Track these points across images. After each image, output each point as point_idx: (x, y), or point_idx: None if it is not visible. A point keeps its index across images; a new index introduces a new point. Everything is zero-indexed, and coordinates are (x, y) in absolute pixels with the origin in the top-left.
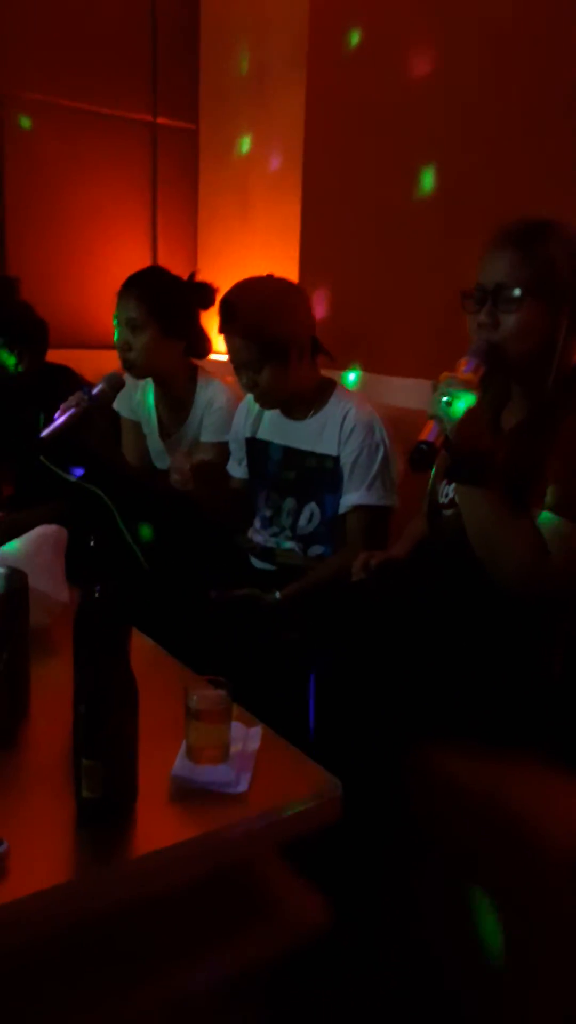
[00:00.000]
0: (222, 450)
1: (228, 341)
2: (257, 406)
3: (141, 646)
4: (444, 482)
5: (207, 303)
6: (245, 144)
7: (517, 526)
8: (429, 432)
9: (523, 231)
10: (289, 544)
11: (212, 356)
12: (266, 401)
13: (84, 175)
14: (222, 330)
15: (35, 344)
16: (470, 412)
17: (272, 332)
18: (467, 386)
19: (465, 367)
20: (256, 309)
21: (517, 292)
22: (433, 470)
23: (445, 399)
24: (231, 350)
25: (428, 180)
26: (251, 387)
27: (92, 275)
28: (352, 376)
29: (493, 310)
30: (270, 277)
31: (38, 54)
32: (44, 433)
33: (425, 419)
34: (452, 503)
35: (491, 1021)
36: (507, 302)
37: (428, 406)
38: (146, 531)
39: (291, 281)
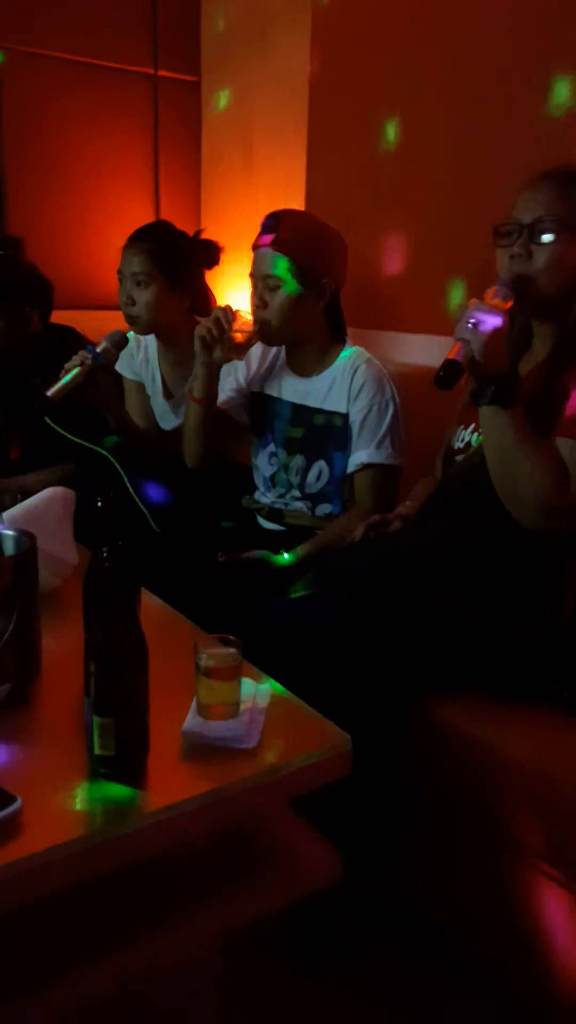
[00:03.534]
0: None
1: (257, 254)
2: (269, 359)
3: (151, 605)
4: (461, 426)
5: (212, 261)
6: (249, 96)
7: (539, 451)
8: (456, 352)
9: (565, 173)
10: (297, 504)
11: None
12: (267, 328)
13: (84, 130)
14: (257, 241)
15: (41, 305)
16: (496, 333)
17: (304, 256)
18: (492, 310)
19: (493, 295)
20: (299, 231)
21: (555, 227)
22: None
23: (472, 321)
24: (257, 262)
25: (436, 132)
26: (261, 305)
27: (94, 233)
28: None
29: (527, 243)
30: (323, 220)
31: (35, 5)
32: (49, 392)
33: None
34: (466, 447)
35: (499, 971)
36: (543, 235)
37: (455, 330)
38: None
39: (341, 235)
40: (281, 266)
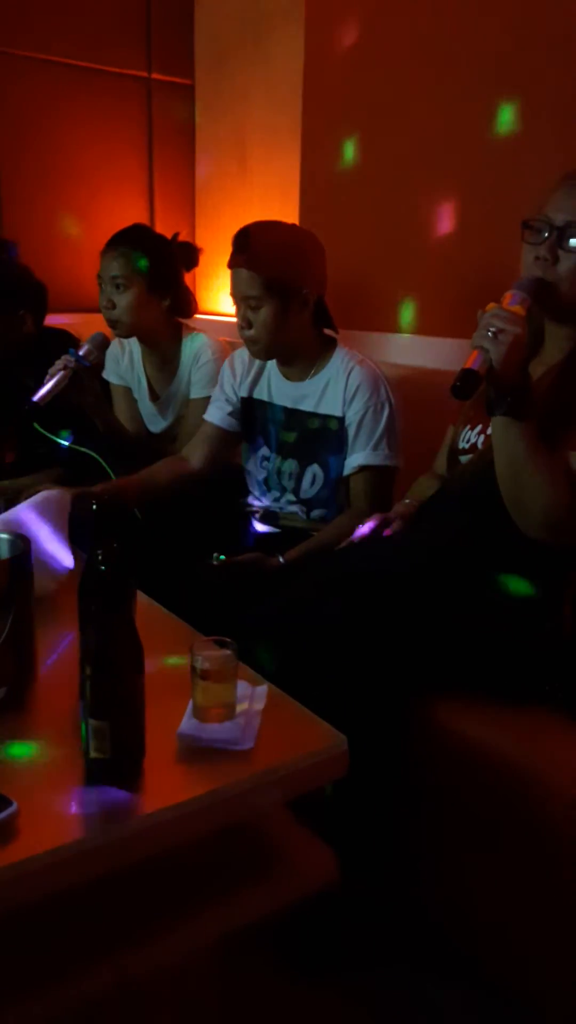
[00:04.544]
0: None
1: (234, 273)
2: (256, 364)
3: (146, 608)
4: (467, 427)
5: (191, 263)
6: (242, 99)
7: (550, 464)
8: (473, 361)
9: None
10: (292, 508)
11: (199, 316)
12: (256, 345)
13: (78, 133)
14: (231, 261)
15: (38, 307)
16: (516, 343)
17: (279, 271)
18: (514, 318)
19: (511, 300)
20: (269, 244)
21: None
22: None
23: (491, 330)
24: (235, 282)
25: (432, 134)
26: (246, 326)
27: (88, 235)
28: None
29: (555, 246)
30: (296, 226)
31: (28, 9)
32: (36, 398)
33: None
34: (472, 448)
35: (497, 975)
36: (572, 240)
37: (473, 337)
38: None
39: (314, 236)
40: (258, 285)
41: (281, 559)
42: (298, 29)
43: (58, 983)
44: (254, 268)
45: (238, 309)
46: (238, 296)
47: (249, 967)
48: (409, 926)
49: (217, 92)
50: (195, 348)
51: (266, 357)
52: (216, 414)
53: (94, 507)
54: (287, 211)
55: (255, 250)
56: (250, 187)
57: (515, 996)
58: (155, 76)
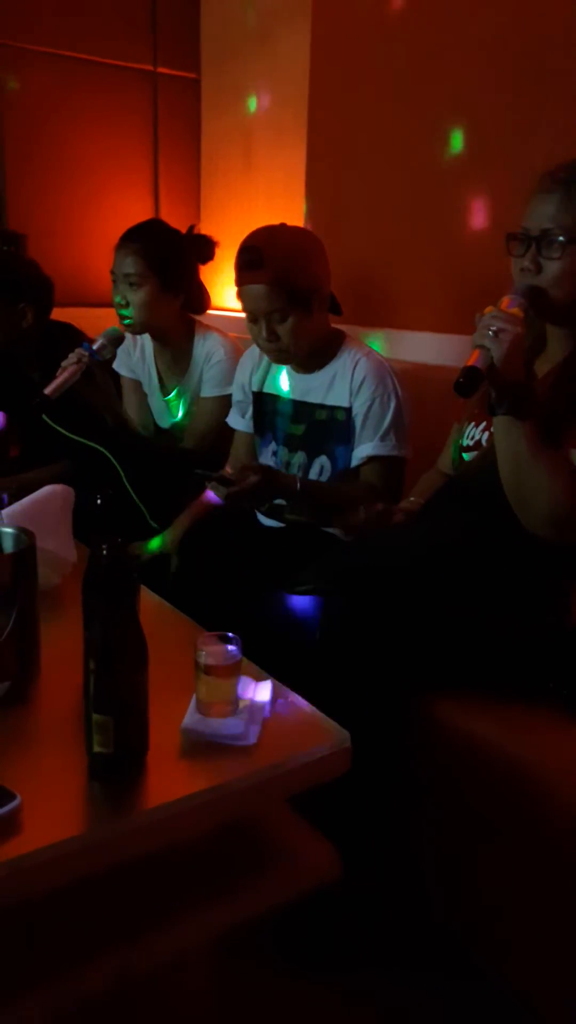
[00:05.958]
0: (223, 403)
1: (249, 290)
2: (265, 359)
3: (150, 603)
4: (472, 424)
5: (206, 257)
6: (248, 94)
7: (553, 463)
8: (476, 359)
9: (571, 176)
10: None
11: (210, 311)
12: (285, 355)
13: (84, 127)
14: (244, 279)
15: (41, 302)
16: (516, 341)
17: (301, 279)
18: (513, 319)
19: (509, 304)
20: (285, 255)
21: (561, 239)
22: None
23: (492, 328)
24: (251, 299)
25: (436, 130)
26: (272, 339)
27: (93, 230)
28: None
29: (536, 256)
30: (286, 225)
31: (34, 3)
32: (47, 390)
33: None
34: (476, 445)
35: (498, 972)
36: (551, 248)
37: (474, 337)
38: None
39: (308, 231)
40: (282, 297)
41: (299, 485)
42: (304, 23)
43: (59, 977)
44: (276, 283)
45: (257, 324)
46: (258, 312)
47: (250, 963)
48: (410, 923)
49: (223, 86)
50: (208, 347)
51: (295, 361)
52: (244, 423)
53: (98, 502)
54: (292, 206)
55: (270, 265)
56: (255, 182)
57: (516, 993)
58: (161, 70)
